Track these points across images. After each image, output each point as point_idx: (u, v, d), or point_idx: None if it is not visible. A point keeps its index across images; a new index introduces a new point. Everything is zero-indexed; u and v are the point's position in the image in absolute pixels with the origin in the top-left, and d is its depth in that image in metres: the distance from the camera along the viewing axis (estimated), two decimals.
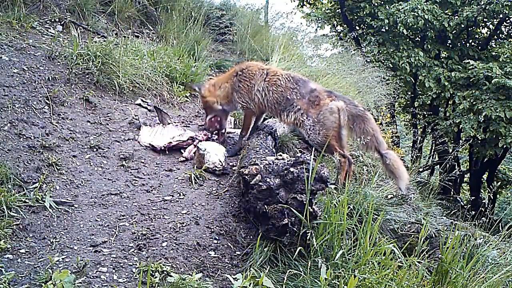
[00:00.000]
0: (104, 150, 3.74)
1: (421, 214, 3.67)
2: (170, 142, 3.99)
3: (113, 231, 2.84)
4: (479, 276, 2.85)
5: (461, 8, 10.44)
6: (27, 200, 2.90)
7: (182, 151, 4.01)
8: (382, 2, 11.52)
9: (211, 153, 3.70)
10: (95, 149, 3.70)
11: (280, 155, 2.94)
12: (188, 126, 4.53)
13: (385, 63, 10.13)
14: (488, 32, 11.85)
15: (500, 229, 3.45)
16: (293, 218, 2.64)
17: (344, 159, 3.71)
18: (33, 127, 3.56)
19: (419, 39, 11.62)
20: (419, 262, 2.74)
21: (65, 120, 3.86)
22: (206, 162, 3.66)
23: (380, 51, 10.58)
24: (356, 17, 12.40)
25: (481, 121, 9.12)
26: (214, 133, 4.23)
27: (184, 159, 3.91)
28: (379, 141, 3.74)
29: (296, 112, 3.81)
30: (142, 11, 6.34)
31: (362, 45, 9.39)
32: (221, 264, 2.73)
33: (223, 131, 4.23)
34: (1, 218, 2.68)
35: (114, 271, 2.48)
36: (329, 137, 3.66)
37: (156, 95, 4.90)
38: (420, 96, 11.79)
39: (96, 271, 2.45)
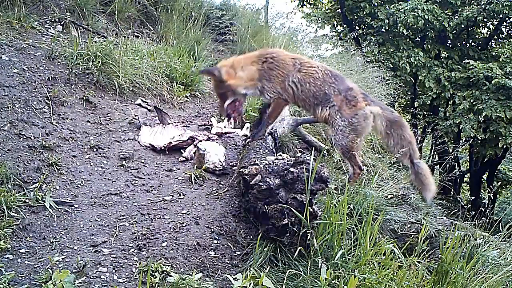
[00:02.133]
0: (104, 150, 3.74)
1: (421, 214, 3.68)
2: (170, 142, 3.99)
3: (113, 231, 2.84)
4: (479, 276, 2.86)
5: (461, 8, 10.45)
6: (27, 200, 2.90)
7: (182, 151, 4.01)
8: (382, 2, 11.52)
9: (211, 153, 3.70)
10: (95, 149, 3.70)
11: (280, 155, 2.94)
12: (188, 126, 4.53)
13: (385, 63, 10.13)
14: (488, 32, 11.85)
15: (500, 229, 3.45)
16: (293, 218, 2.64)
17: (360, 171, 3.63)
18: (33, 127, 3.56)
19: (419, 39, 11.62)
20: (419, 262, 2.74)
21: (65, 120, 3.86)
22: (206, 162, 3.66)
23: (380, 51, 10.58)
24: (356, 17, 12.40)
25: (481, 121, 9.12)
26: (233, 119, 3.88)
27: (184, 159, 3.91)
28: (414, 149, 3.63)
29: (331, 108, 3.58)
30: (142, 11, 6.34)
31: (362, 45, 9.38)
32: (221, 264, 2.73)
33: (242, 116, 3.92)
34: (1, 218, 2.68)
35: (114, 271, 2.48)
36: (356, 143, 3.53)
37: (156, 95, 4.90)
38: (420, 96, 11.79)
39: (96, 271, 2.45)
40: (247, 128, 4.57)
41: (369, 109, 3.55)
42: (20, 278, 2.32)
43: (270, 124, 3.84)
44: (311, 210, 2.65)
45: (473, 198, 6.01)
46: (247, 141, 3.86)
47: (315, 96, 3.60)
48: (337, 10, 12.90)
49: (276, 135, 4.05)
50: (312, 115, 3.81)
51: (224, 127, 4.51)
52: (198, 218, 3.06)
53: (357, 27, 12.48)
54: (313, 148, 4.07)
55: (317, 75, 3.60)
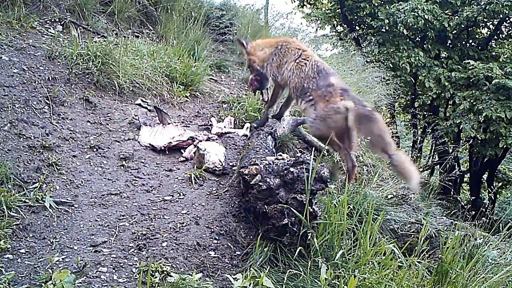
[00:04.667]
0: (104, 150, 3.74)
1: (421, 214, 3.67)
2: (170, 142, 3.99)
3: (113, 231, 2.84)
4: (479, 276, 2.85)
5: (461, 8, 10.44)
6: (27, 200, 2.90)
7: (182, 151, 4.01)
8: (382, 2, 11.51)
9: (211, 153, 3.70)
10: (95, 149, 3.70)
11: (280, 155, 2.94)
12: (188, 126, 4.53)
13: (385, 63, 10.10)
14: (488, 32, 11.84)
15: (500, 229, 3.45)
16: (293, 218, 2.64)
17: (345, 158, 3.72)
18: (33, 127, 3.56)
19: (419, 39, 11.61)
20: (419, 262, 2.74)
21: (65, 120, 3.86)
22: (206, 162, 3.66)
23: (380, 51, 10.57)
24: (356, 17, 12.39)
25: (481, 121, 9.11)
26: (256, 91, 4.41)
27: (184, 159, 3.91)
28: (387, 142, 3.63)
29: (307, 102, 3.79)
30: (142, 11, 6.33)
31: (362, 45, 9.38)
32: (221, 264, 2.73)
33: (264, 90, 4.33)
34: (1, 218, 2.68)
35: (114, 271, 2.48)
36: (328, 135, 3.59)
37: (156, 95, 4.90)
38: (420, 96, 11.78)
39: (96, 271, 2.45)
40: (247, 128, 4.57)
41: (342, 104, 3.61)
42: (20, 278, 2.32)
43: (271, 106, 4.26)
44: (311, 210, 2.65)
45: (473, 198, 5.99)
46: (252, 128, 4.25)
47: (296, 87, 3.88)
48: (337, 10, 12.89)
49: (276, 135, 4.06)
50: (296, 105, 4.09)
51: (224, 127, 4.51)
52: (198, 218, 3.06)
53: (357, 27, 12.48)
54: (313, 148, 4.07)
55: (304, 68, 3.85)
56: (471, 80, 9.62)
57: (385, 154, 3.67)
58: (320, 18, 13.19)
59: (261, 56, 4.12)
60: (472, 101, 9.35)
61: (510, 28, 11.90)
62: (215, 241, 2.88)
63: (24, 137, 3.43)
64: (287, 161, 2.80)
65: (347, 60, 7.31)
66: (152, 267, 2.48)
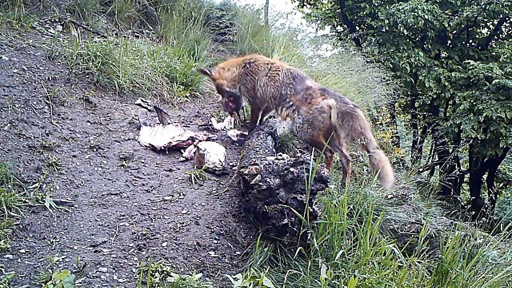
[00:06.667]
0: (104, 150, 3.74)
1: (421, 214, 3.68)
2: (170, 142, 3.99)
3: (113, 231, 2.84)
4: (479, 276, 2.85)
5: (461, 8, 10.44)
6: (27, 200, 2.90)
7: (182, 151, 4.01)
8: (382, 2, 11.51)
9: (211, 153, 3.70)
10: (95, 149, 3.70)
11: (280, 155, 2.94)
12: (188, 126, 4.53)
13: (385, 64, 10.10)
14: (488, 32, 11.84)
15: (500, 229, 3.45)
16: (293, 218, 2.64)
17: (330, 154, 3.79)
18: (33, 127, 3.56)
19: (419, 39, 11.62)
20: (419, 262, 2.74)
21: (65, 120, 3.86)
22: (206, 162, 3.66)
23: (380, 52, 10.56)
24: (356, 17, 12.40)
25: (482, 121, 9.11)
26: (233, 113, 4.50)
27: (184, 159, 3.91)
28: (369, 139, 3.66)
29: (289, 108, 3.85)
30: (142, 11, 6.34)
31: (362, 45, 9.38)
32: (221, 264, 2.73)
33: (241, 109, 4.47)
34: (1, 218, 2.68)
35: (114, 271, 2.48)
36: (316, 136, 3.70)
37: (156, 95, 4.90)
38: (420, 97, 11.78)
39: (96, 271, 2.45)
40: None
41: (325, 103, 3.70)
42: (20, 278, 2.32)
43: (252, 129, 4.18)
44: (311, 210, 2.65)
45: (473, 198, 6.00)
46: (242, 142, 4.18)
47: (274, 97, 3.94)
48: (337, 10, 12.89)
49: (276, 135, 4.06)
50: (277, 114, 4.12)
51: (224, 127, 4.51)
52: (198, 218, 3.06)
53: (357, 27, 12.48)
54: (313, 148, 4.07)
55: (278, 77, 3.94)
56: (471, 80, 9.62)
57: (365, 150, 3.72)
58: (320, 18, 13.20)
59: (229, 77, 4.17)
60: (472, 101, 9.35)
61: (510, 28, 11.90)
62: (215, 241, 2.88)
63: (24, 137, 3.43)
64: (287, 161, 2.80)
65: (347, 60, 7.30)
66: (152, 267, 2.48)
